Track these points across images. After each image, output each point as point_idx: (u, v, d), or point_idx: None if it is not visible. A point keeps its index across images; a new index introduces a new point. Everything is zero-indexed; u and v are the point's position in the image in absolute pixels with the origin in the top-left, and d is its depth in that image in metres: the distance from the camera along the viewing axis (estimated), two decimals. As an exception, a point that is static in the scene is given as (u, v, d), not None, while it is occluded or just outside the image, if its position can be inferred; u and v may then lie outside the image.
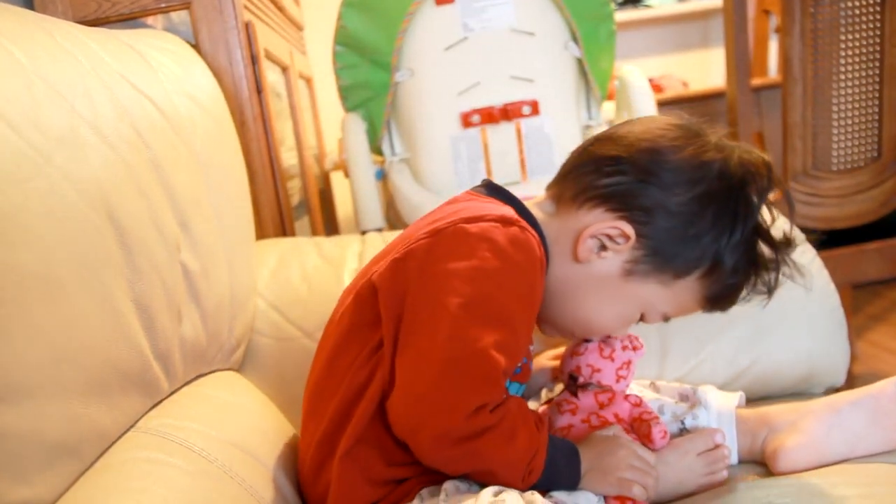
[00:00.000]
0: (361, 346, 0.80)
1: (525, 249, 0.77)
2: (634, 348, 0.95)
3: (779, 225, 0.85)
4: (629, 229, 0.80)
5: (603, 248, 0.82)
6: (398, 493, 0.79)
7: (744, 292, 0.84)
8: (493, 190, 0.88)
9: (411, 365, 0.74)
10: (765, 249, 0.83)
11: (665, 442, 0.88)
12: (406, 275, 0.77)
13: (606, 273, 0.82)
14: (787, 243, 0.84)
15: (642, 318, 0.86)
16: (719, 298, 0.84)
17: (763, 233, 0.83)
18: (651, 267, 0.81)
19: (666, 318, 0.86)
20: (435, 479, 0.79)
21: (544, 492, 0.78)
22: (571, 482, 0.80)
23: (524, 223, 0.80)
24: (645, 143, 0.81)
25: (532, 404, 1.04)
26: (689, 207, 0.79)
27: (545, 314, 0.87)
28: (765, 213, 0.84)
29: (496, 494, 0.73)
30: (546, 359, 1.04)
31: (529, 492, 0.76)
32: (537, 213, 0.86)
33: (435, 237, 0.78)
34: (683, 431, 0.93)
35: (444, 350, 0.72)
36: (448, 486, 0.77)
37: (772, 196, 0.83)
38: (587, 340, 0.94)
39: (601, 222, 0.81)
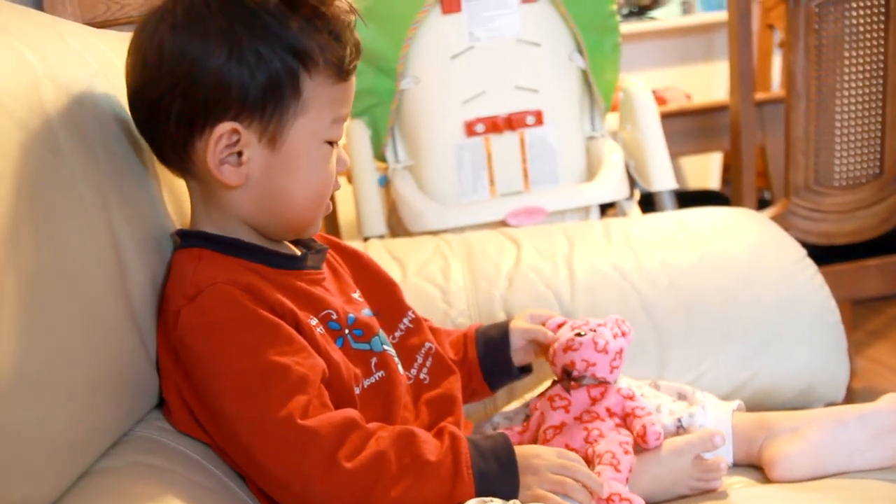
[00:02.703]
0: None
1: (218, 304, 0.76)
2: (623, 333, 0.96)
3: None
4: (227, 127, 0.77)
5: (238, 156, 0.78)
6: None
7: (342, 40, 0.80)
8: (183, 238, 0.84)
9: (257, 478, 0.76)
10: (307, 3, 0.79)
11: (659, 443, 0.88)
12: (180, 404, 0.78)
13: (265, 165, 0.79)
14: None
15: (332, 143, 0.83)
16: (341, 66, 0.80)
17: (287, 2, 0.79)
18: (275, 118, 0.78)
19: (344, 119, 0.83)
20: None
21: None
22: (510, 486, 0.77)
23: (206, 271, 0.78)
24: (169, 63, 0.77)
25: (515, 406, 1.04)
26: (239, 56, 0.76)
27: (291, 225, 0.85)
28: None
29: None
30: (523, 320, 1.03)
31: (513, 501, 0.75)
32: (200, 214, 0.84)
33: (176, 361, 0.78)
34: (680, 430, 0.93)
35: (253, 445, 0.73)
36: None
37: None
38: (579, 335, 0.94)
39: (207, 149, 0.77)
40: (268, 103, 0.77)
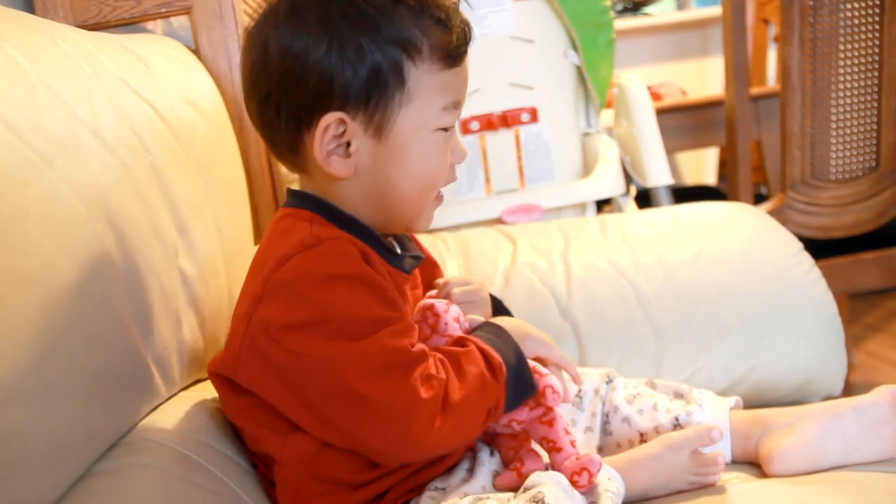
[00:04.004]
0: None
1: (335, 256, 0.76)
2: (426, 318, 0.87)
3: None
4: (332, 117, 0.77)
5: (346, 147, 0.78)
6: None
7: (448, 25, 0.79)
8: (296, 197, 0.84)
9: (355, 420, 0.74)
10: None
11: (558, 400, 0.84)
12: (265, 355, 0.75)
13: (373, 156, 0.79)
14: None
15: (447, 130, 0.82)
16: (447, 51, 0.79)
17: None
18: (380, 109, 0.77)
19: (457, 106, 0.82)
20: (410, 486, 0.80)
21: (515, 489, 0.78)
22: (517, 350, 0.83)
23: (323, 229, 0.78)
24: (273, 60, 0.77)
25: None
26: (339, 50, 0.75)
27: (400, 217, 0.84)
28: None
29: (475, 503, 0.74)
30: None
31: (506, 496, 0.76)
32: (331, 196, 0.83)
33: (264, 302, 0.76)
34: (677, 428, 0.93)
35: (357, 374, 0.72)
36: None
37: None
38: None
39: (315, 143, 0.77)
40: (371, 95, 0.77)
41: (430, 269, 0.98)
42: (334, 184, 0.81)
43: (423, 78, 0.78)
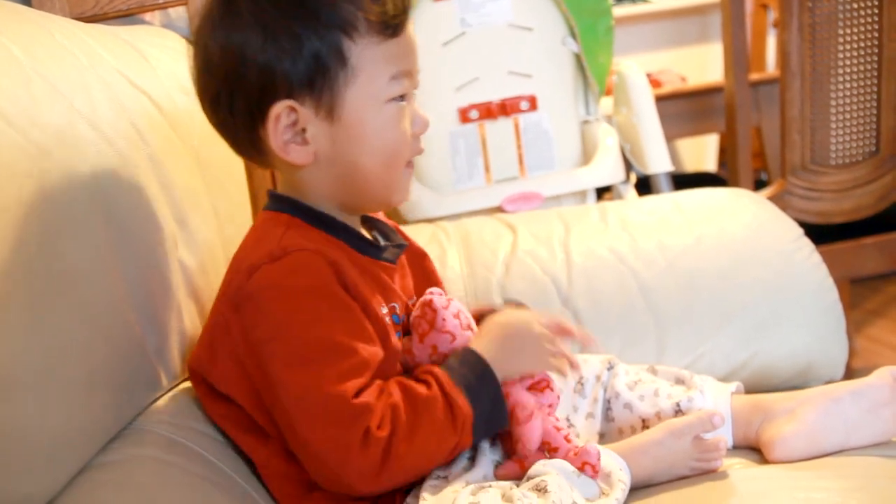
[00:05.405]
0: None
1: (299, 268, 0.76)
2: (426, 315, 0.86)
3: None
4: (281, 106, 0.77)
5: (302, 133, 0.79)
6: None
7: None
8: (273, 200, 0.85)
9: (293, 445, 0.75)
10: None
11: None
12: (237, 360, 0.77)
13: (330, 139, 0.79)
14: None
15: (405, 98, 0.82)
16: (384, 23, 0.78)
17: None
18: (326, 91, 0.77)
19: (407, 75, 0.82)
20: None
21: (516, 480, 0.78)
22: (495, 395, 0.80)
23: (295, 236, 0.79)
24: (215, 60, 0.78)
25: None
26: (274, 41, 0.76)
27: (372, 195, 0.84)
28: None
29: (474, 493, 0.74)
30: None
31: (509, 484, 0.76)
32: (301, 187, 0.83)
33: (238, 313, 0.77)
34: (678, 414, 0.93)
35: (298, 413, 0.73)
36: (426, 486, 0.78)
37: None
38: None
39: (271, 134, 0.78)
40: (315, 78, 0.77)
41: (419, 260, 0.98)
42: (300, 173, 0.81)
43: (364, 53, 0.78)
